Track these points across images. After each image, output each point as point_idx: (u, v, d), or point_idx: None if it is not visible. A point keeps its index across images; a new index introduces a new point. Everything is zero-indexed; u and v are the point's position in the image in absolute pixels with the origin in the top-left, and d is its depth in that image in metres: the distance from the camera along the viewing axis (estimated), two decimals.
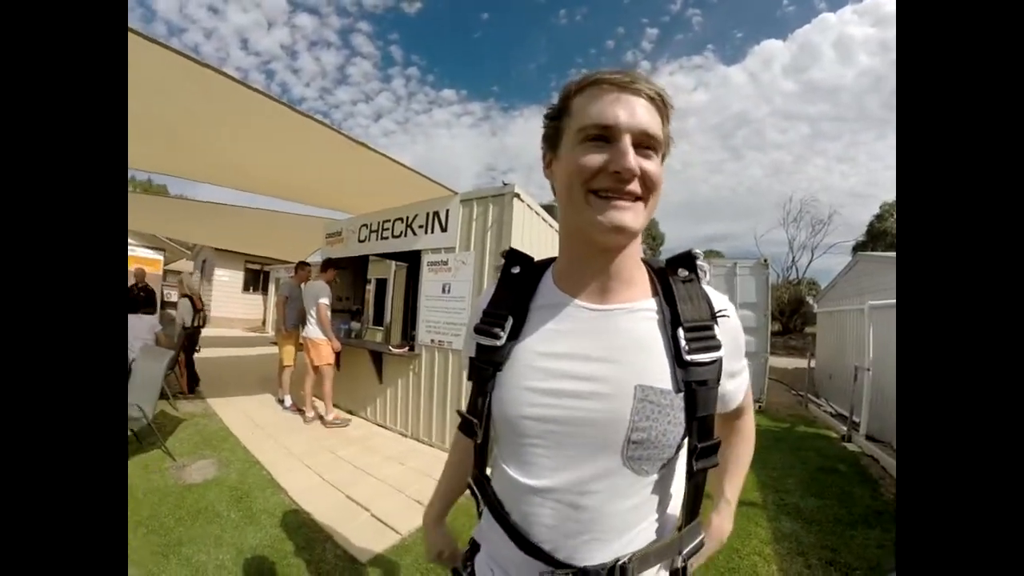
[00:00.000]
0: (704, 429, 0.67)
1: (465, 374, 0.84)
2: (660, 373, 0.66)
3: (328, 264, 5.49)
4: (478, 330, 0.75)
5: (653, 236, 31.11)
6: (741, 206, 54.54)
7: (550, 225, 4.99)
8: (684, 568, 0.74)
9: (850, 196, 48.02)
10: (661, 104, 0.65)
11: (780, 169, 54.84)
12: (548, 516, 0.68)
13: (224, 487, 3.31)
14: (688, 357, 0.66)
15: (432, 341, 4.54)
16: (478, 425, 0.74)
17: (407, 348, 4.81)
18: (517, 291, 0.76)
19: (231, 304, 16.22)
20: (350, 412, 5.50)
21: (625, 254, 0.69)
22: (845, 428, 6.06)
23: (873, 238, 25.67)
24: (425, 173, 4.18)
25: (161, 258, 12.22)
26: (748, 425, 0.94)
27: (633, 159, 0.61)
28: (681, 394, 0.65)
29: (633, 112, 0.62)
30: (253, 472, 3.63)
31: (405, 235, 5.00)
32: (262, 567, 2.41)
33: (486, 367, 0.72)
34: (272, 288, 15.55)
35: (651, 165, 0.63)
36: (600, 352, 0.68)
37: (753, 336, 7.67)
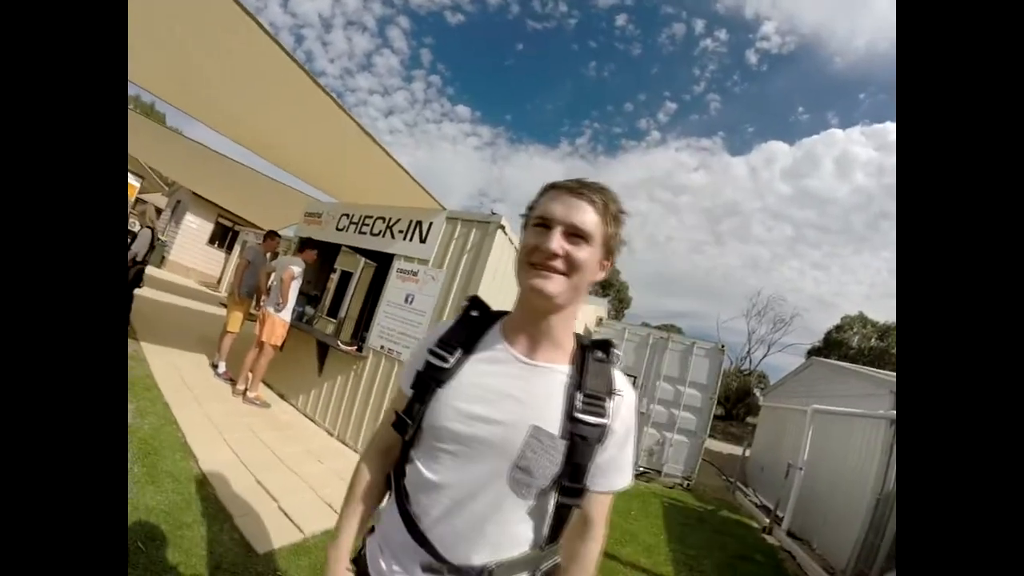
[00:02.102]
0: (575, 474, 0.83)
1: (400, 380, 0.99)
2: (553, 421, 0.83)
3: (309, 244, 5.33)
4: (432, 351, 0.91)
5: (620, 299, 31.74)
6: (711, 289, 56.21)
7: None
8: None
9: (816, 302, 50.05)
10: (603, 208, 0.84)
11: (757, 263, 56.92)
12: (437, 509, 0.84)
13: (134, 438, 3.11)
14: (577, 415, 0.83)
15: (382, 347, 4.45)
16: (411, 426, 0.89)
17: (355, 348, 4.69)
18: (471, 330, 0.94)
19: (193, 253, 15.63)
20: (281, 396, 5.31)
21: (556, 321, 0.87)
22: (768, 520, 6.17)
23: (828, 346, 26.68)
24: (420, 181, 4.16)
25: (138, 185, 11.72)
26: (592, 556, 0.95)
27: (557, 243, 0.81)
28: (565, 441, 0.82)
29: (569, 211, 0.83)
30: (167, 431, 3.43)
31: (383, 235, 4.93)
32: (154, 532, 2.27)
33: (430, 382, 0.88)
34: (237, 249, 15.09)
35: (578, 251, 0.82)
36: (517, 394, 0.85)
37: (696, 416, 7.81)
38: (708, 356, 7.96)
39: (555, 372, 0.88)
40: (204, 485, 2.88)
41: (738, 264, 59.50)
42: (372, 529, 1.00)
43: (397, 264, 4.67)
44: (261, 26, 2.67)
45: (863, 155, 56.22)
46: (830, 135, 62.03)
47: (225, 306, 5.77)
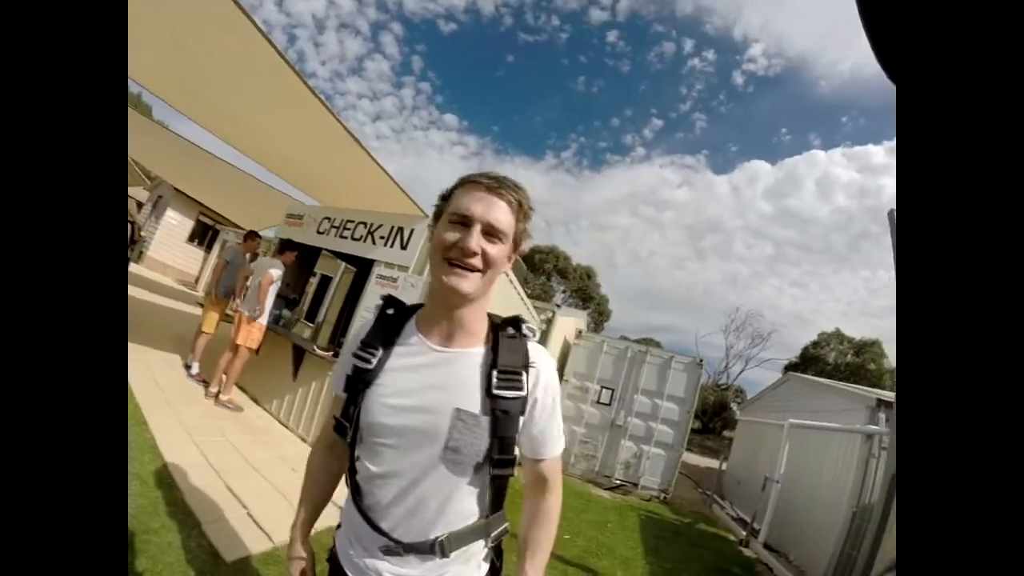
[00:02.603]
0: (503, 446, 0.89)
1: (333, 386, 1.05)
2: (474, 401, 0.88)
3: (290, 246, 5.27)
4: (356, 355, 0.95)
5: (601, 312, 31.89)
6: (691, 304, 56.51)
7: (506, 274, 4.98)
8: (496, 547, 1.02)
9: (794, 318, 50.76)
10: (518, 207, 0.90)
11: (736, 280, 57.38)
12: (386, 498, 0.91)
13: None
14: (495, 391, 0.88)
15: None
16: (349, 427, 0.94)
17: (332, 354, 4.62)
18: (388, 328, 0.97)
19: (172, 250, 15.31)
20: (255, 400, 5.20)
21: (468, 310, 0.92)
22: (744, 533, 6.21)
23: (805, 361, 27.07)
24: (405, 188, 4.14)
25: None
26: (553, 507, 1.05)
27: (475, 241, 0.85)
28: (487, 418, 0.88)
29: (488, 209, 0.86)
30: (136, 432, 3.34)
31: (364, 240, 4.88)
32: None
33: (358, 383, 0.93)
34: (217, 248, 14.84)
35: (493, 249, 0.87)
36: (438, 381, 0.91)
37: (673, 429, 7.85)
38: (686, 370, 8.02)
39: (470, 355, 0.93)
40: (172, 489, 2.80)
41: (718, 280, 60.13)
42: (339, 526, 1.05)
43: (377, 270, 4.62)
44: (255, 24, 2.66)
45: (844, 176, 57.34)
46: (812, 156, 63.22)
47: (202, 306, 5.65)
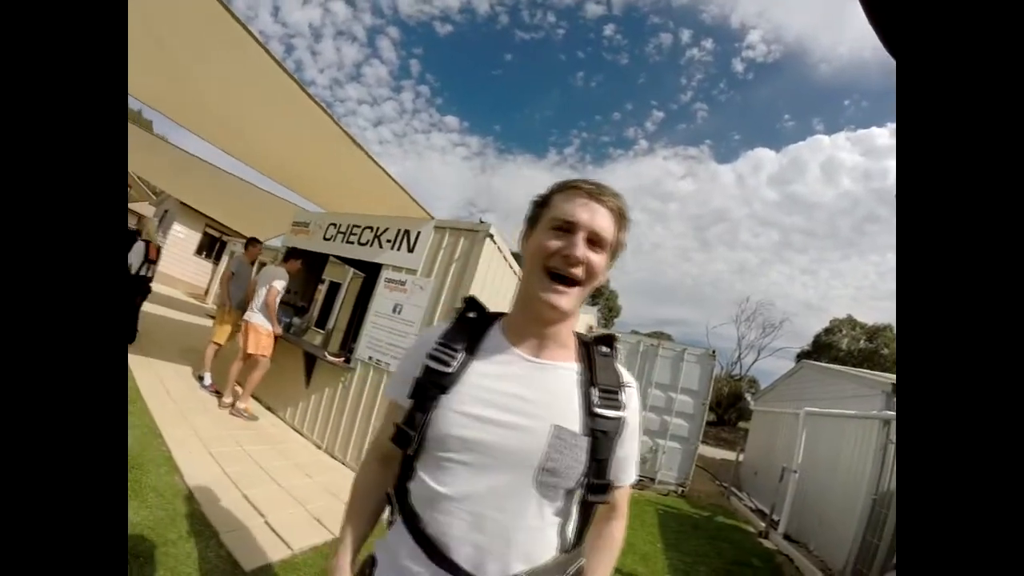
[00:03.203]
0: (600, 470, 0.82)
1: (391, 392, 0.94)
2: (573, 419, 0.81)
3: (294, 254, 5.30)
4: (431, 356, 0.86)
5: (610, 308, 31.83)
6: (700, 296, 56.47)
7: (515, 272, 4.99)
8: None
9: (804, 306, 50.53)
10: (619, 215, 0.85)
11: (744, 269, 57.27)
12: (457, 525, 0.77)
13: None
14: (596, 410, 0.82)
15: (370, 358, 4.40)
16: (414, 437, 0.82)
17: (343, 359, 4.64)
18: (470, 332, 0.90)
19: (181, 264, 15.46)
20: (268, 408, 5.22)
21: (562, 324, 0.86)
22: (764, 524, 6.16)
23: (818, 349, 26.89)
24: (409, 191, 4.14)
25: None
26: (619, 534, 0.99)
27: (581, 250, 0.80)
28: (587, 438, 0.80)
29: (593, 216, 0.81)
30: (153, 445, 3.36)
31: (371, 245, 4.89)
32: (138, 548, 2.20)
33: (432, 388, 0.83)
34: (225, 260, 14.96)
35: (596, 258, 0.82)
36: (529, 395, 0.82)
37: (688, 423, 7.80)
38: (699, 362, 7.97)
39: (564, 369, 0.86)
40: (189, 500, 2.81)
41: (726, 270, 59.96)
42: (373, 560, 0.89)
43: (385, 274, 4.63)
44: (252, 35, 2.67)
45: (849, 160, 57.12)
46: (816, 141, 63.04)
47: (213, 318, 5.68)
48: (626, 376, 0.90)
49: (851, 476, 5.39)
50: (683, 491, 7.68)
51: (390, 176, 3.95)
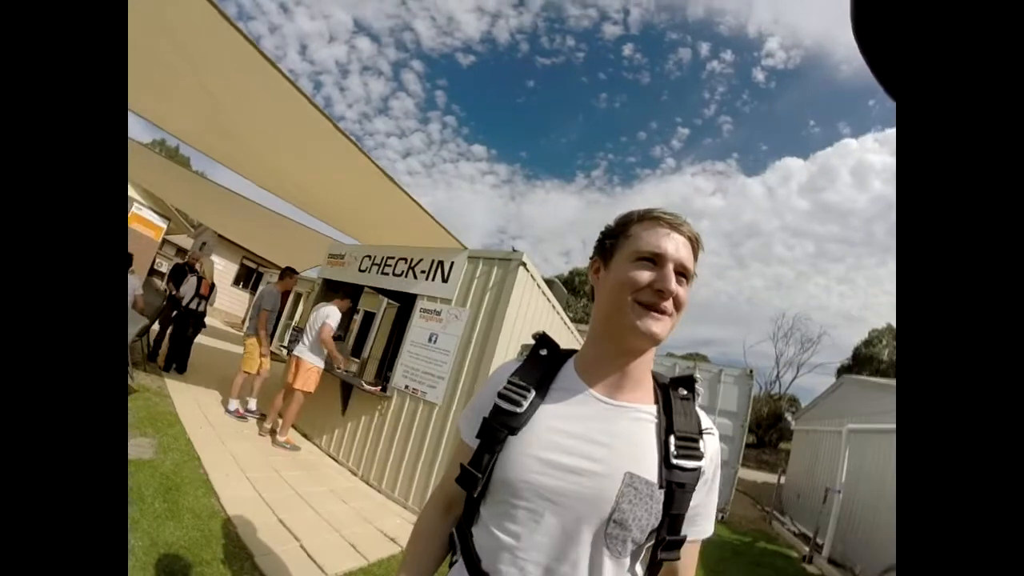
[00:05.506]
0: (674, 526, 0.76)
1: (452, 429, 0.96)
2: (649, 467, 0.75)
3: (347, 293, 5.35)
4: (501, 395, 0.83)
5: None
6: (736, 314, 54.65)
7: (548, 299, 5.01)
8: None
9: (843, 318, 48.76)
10: (696, 244, 0.83)
11: (781, 283, 55.61)
12: None
13: (156, 472, 3.13)
14: (675, 460, 0.76)
15: (406, 387, 4.46)
16: (480, 480, 0.78)
17: (379, 388, 4.71)
18: (542, 370, 0.86)
19: (220, 294, 15.98)
20: (305, 436, 5.33)
21: (642, 360, 0.82)
22: (807, 549, 5.92)
23: (858, 362, 25.90)
24: (440, 220, 4.24)
25: (164, 226, 12.12)
26: None
27: (673, 282, 0.77)
28: (663, 490, 0.74)
29: (678, 247, 0.79)
30: (190, 466, 3.45)
31: (405, 276, 5.01)
32: (173, 567, 2.26)
33: (501, 429, 0.79)
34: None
35: (682, 291, 0.79)
36: (603, 439, 0.77)
37: (727, 445, 7.61)
38: (737, 383, 7.81)
39: (641, 412, 0.80)
40: (225, 522, 2.87)
41: (762, 286, 58.32)
42: None
43: (420, 304, 4.72)
44: (283, 74, 2.78)
45: (878, 162, 55.16)
46: (844, 145, 61.49)
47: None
48: (706, 421, 0.84)
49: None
50: (723, 516, 7.44)
51: (421, 207, 4.05)
